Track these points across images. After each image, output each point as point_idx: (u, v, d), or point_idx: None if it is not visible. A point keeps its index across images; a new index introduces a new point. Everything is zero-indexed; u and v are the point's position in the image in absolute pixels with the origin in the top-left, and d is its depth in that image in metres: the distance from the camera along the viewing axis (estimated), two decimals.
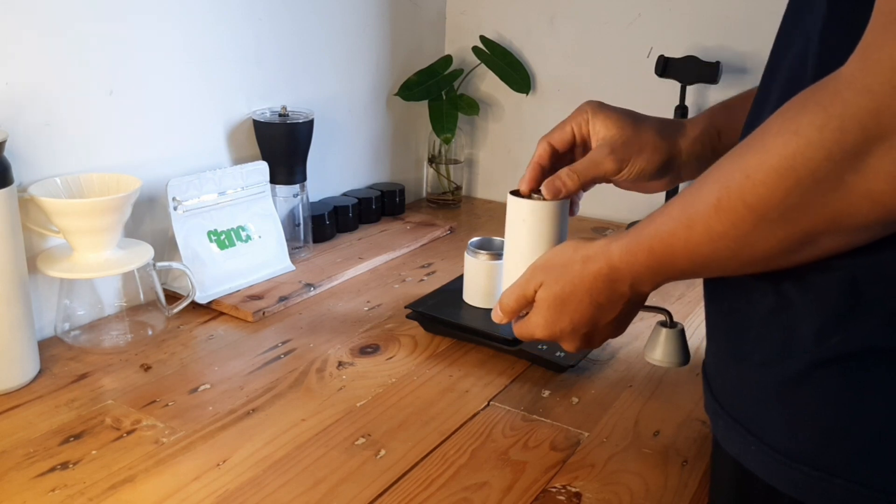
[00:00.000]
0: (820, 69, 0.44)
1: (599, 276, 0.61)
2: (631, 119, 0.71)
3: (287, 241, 1.18)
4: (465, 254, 1.00)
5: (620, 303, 0.62)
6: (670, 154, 0.71)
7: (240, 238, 1.11)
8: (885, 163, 0.40)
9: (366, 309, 1.07)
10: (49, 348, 0.92)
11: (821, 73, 0.43)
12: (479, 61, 1.51)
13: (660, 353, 0.72)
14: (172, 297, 1.03)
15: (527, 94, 1.51)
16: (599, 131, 0.72)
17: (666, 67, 1.32)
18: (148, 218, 1.06)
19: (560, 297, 0.64)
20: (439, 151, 1.56)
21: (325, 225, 1.29)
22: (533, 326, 0.67)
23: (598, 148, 0.71)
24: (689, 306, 1.09)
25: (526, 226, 0.72)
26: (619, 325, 0.66)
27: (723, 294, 0.57)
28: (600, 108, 0.72)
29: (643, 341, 0.99)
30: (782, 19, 0.55)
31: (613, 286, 0.61)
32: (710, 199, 0.48)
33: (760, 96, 0.56)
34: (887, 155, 0.39)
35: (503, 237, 1.02)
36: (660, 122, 0.73)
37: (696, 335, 1.01)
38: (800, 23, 0.51)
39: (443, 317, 0.97)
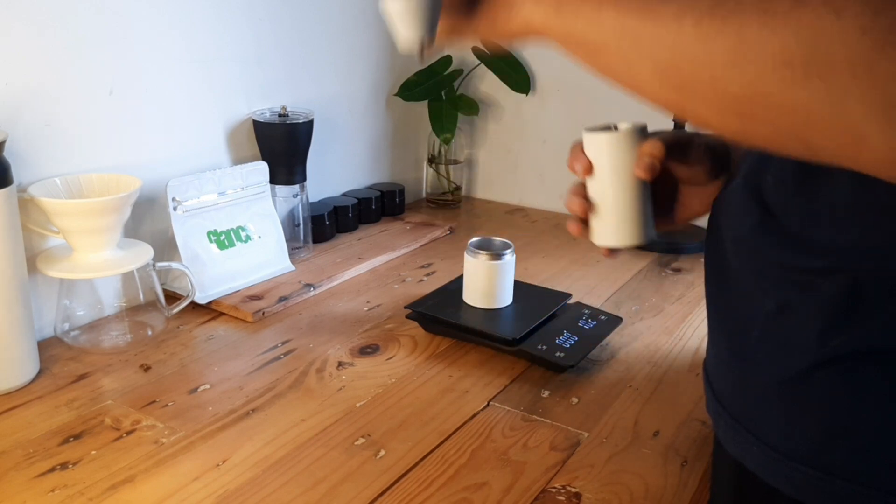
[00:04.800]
0: None
1: None
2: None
3: (287, 241, 1.18)
4: (465, 254, 1.00)
5: None
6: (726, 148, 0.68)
7: (240, 238, 1.11)
8: None
9: (366, 309, 1.07)
10: (49, 348, 0.92)
11: None
12: (478, 61, 1.51)
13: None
14: (172, 297, 1.03)
15: (527, 94, 1.51)
16: None
17: None
18: (148, 218, 1.06)
19: None
20: (439, 151, 1.56)
21: (325, 225, 1.29)
22: None
23: None
24: (689, 306, 1.10)
25: (606, 160, 0.67)
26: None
27: (724, 295, 0.57)
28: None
29: (643, 341, 0.99)
30: None
31: None
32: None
33: None
34: None
35: (503, 237, 1.02)
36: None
37: (697, 335, 1.01)
38: None
39: (443, 317, 0.97)
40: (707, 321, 0.62)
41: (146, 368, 0.89)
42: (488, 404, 0.84)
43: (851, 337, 0.46)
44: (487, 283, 0.98)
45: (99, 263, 0.90)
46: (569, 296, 1.04)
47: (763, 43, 0.36)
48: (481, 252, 0.98)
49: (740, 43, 0.37)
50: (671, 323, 1.04)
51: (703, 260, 0.63)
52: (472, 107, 1.54)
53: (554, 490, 0.70)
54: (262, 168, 1.14)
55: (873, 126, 0.34)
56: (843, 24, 0.34)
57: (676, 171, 0.68)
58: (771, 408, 0.51)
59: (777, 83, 0.36)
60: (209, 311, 1.04)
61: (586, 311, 1.00)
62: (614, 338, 0.99)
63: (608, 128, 0.68)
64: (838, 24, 0.34)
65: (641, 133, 0.67)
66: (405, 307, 1.00)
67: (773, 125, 0.38)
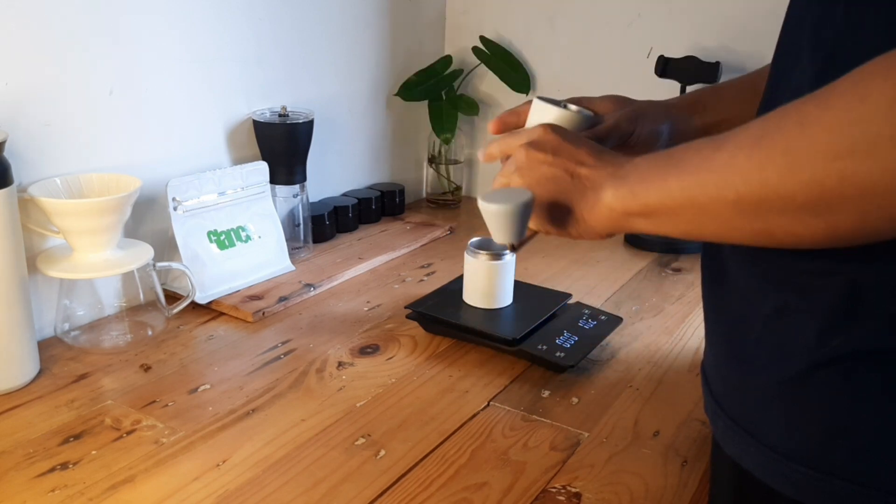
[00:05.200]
0: None
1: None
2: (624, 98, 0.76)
3: (287, 241, 1.18)
4: (465, 254, 1.00)
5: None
6: (668, 115, 0.73)
7: (240, 238, 1.11)
8: None
9: (366, 309, 1.07)
10: (49, 348, 0.92)
11: None
12: (478, 61, 1.51)
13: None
14: (172, 297, 1.03)
15: (527, 94, 1.50)
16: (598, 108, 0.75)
17: (666, 67, 1.32)
18: (148, 218, 1.06)
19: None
20: (439, 151, 1.56)
21: (325, 225, 1.29)
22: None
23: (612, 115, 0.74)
24: (688, 306, 1.10)
25: None
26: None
27: (723, 297, 0.57)
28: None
29: (643, 341, 0.99)
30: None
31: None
32: (750, 135, 0.45)
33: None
34: None
35: None
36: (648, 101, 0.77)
37: (697, 335, 1.01)
38: (789, 79, 0.51)
39: (443, 317, 0.97)
40: (704, 323, 0.62)
41: (146, 368, 0.89)
42: (488, 404, 0.84)
43: (850, 337, 0.46)
44: (487, 283, 0.98)
45: (99, 263, 0.90)
46: (569, 296, 1.04)
47: (807, 148, 0.40)
48: (481, 252, 0.98)
49: (789, 156, 0.41)
50: (671, 323, 1.04)
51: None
52: (472, 107, 1.54)
53: (554, 490, 0.70)
54: (262, 168, 1.14)
55: None
56: (874, 104, 0.37)
57: None
58: (770, 409, 0.51)
59: (834, 176, 0.39)
60: (209, 311, 1.04)
61: (586, 311, 1.00)
62: (614, 338, 0.99)
63: (558, 103, 0.71)
64: (871, 107, 0.37)
65: (587, 121, 0.71)
66: (405, 307, 1.00)
67: (854, 212, 0.40)
